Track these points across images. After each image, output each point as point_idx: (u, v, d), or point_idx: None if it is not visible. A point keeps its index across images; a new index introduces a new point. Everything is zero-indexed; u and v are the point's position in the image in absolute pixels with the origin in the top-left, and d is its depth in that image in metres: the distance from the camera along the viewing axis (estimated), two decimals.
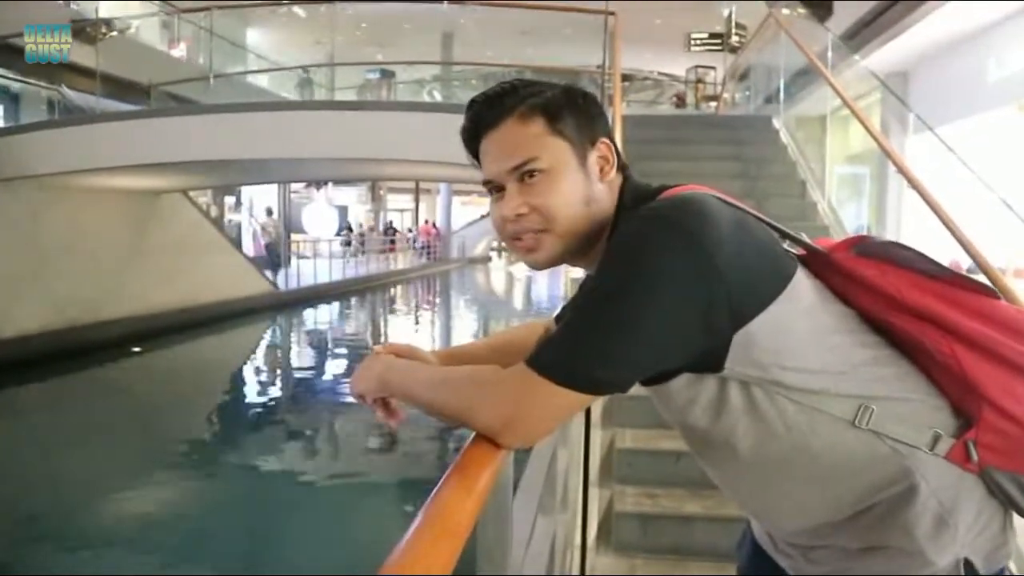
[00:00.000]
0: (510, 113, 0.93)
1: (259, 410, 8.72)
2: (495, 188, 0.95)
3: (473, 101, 0.96)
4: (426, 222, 31.12)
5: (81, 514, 5.26)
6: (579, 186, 0.92)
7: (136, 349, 10.40)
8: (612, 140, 0.97)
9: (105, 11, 12.90)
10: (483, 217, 30.79)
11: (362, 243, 23.78)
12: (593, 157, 0.94)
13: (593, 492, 2.81)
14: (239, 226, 20.48)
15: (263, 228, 17.87)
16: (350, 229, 25.63)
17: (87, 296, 10.07)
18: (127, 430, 7.50)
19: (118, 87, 10.75)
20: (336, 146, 8.29)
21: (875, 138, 4.53)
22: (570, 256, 0.95)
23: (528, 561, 1.32)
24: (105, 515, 5.38)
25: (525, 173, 0.91)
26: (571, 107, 0.94)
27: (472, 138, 0.96)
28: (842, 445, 0.87)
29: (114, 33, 10.07)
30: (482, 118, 0.94)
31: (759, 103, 9.14)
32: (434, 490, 0.73)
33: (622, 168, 0.97)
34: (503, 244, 1.03)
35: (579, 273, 0.99)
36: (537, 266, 0.96)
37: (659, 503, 2.96)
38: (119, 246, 10.87)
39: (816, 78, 6.44)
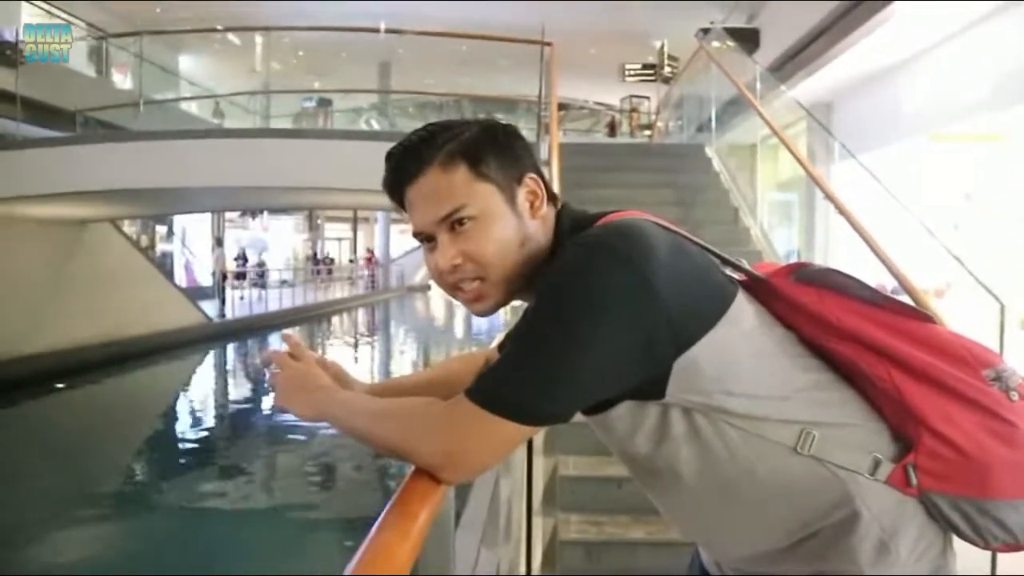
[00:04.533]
0: (430, 162, 0.89)
1: (187, 447, 8.40)
2: (426, 238, 0.92)
3: (390, 153, 0.93)
4: (368, 250, 30.89)
5: None
6: (511, 228, 0.90)
7: (59, 385, 9.94)
8: (539, 173, 0.95)
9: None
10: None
11: (261, 275, 21.94)
12: (522, 195, 0.92)
13: (537, 521, 2.78)
14: (171, 256, 19.93)
15: (216, 259, 17.41)
16: (244, 259, 22.78)
17: (8, 330, 9.58)
18: (45, 471, 7.12)
19: (41, 112, 10.31)
20: (271, 174, 8.15)
21: (803, 166, 4.69)
22: (514, 296, 0.94)
23: None
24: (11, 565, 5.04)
25: (455, 222, 0.89)
26: (492, 146, 0.91)
27: (395, 189, 0.93)
28: (785, 471, 0.87)
29: None
30: (403, 170, 0.91)
31: (692, 132, 9.39)
32: (372, 528, 0.70)
33: (553, 199, 0.96)
34: None
35: (519, 301, 0.98)
36: (483, 314, 0.95)
37: (603, 530, 2.95)
38: (43, 277, 10.40)
39: (746, 108, 6.64)
